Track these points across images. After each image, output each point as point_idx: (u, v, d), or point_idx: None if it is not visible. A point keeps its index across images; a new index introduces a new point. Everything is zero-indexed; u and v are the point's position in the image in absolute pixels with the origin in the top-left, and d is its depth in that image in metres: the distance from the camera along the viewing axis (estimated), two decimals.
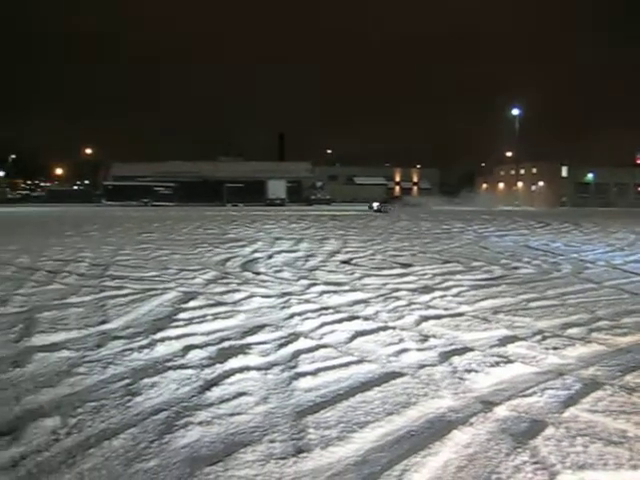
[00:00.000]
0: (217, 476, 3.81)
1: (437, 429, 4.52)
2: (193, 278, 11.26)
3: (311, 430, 4.46)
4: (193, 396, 5.18)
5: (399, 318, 8.05)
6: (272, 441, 4.29)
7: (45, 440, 4.30)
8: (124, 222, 30.93)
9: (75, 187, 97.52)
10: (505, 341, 6.92)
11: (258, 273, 12.07)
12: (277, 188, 70.62)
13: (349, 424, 4.59)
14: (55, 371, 5.83)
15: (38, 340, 6.89)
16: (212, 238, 20.57)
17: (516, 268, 13.04)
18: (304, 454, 4.08)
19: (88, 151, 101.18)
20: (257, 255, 15.21)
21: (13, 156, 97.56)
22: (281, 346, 6.67)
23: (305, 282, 10.88)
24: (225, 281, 10.97)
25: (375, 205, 53.36)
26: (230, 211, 47.80)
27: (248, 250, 16.41)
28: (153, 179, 71.61)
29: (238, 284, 10.63)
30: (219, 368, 5.87)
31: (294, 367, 5.97)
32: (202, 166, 76.40)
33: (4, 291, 9.92)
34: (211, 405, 4.95)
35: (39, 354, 6.28)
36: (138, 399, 5.07)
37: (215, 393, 5.21)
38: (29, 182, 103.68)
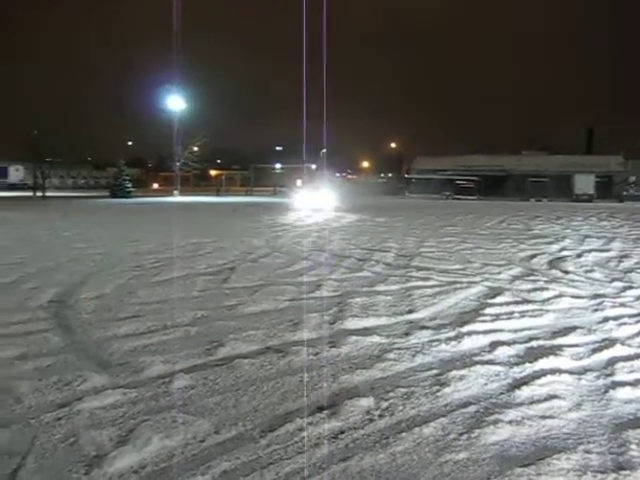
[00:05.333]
0: (529, 479, 3.68)
1: None
2: (498, 273, 11.09)
3: (633, 446, 4.09)
4: (502, 393, 5.08)
5: None
6: (588, 452, 4.02)
7: (360, 419, 4.53)
8: (426, 214, 31.56)
9: (380, 180, 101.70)
10: None
11: (567, 272, 11.49)
12: (584, 183, 66.56)
13: None
14: (367, 355, 6.13)
15: (351, 324, 7.31)
16: (516, 233, 20.09)
17: None
18: (626, 472, 3.76)
19: (392, 145, 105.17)
20: (565, 253, 14.50)
21: (324, 150, 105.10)
22: (595, 351, 6.27)
23: (619, 284, 10.11)
24: (531, 278, 10.63)
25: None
26: (534, 206, 46.25)
27: (555, 247, 15.73)
28: (454, 172, 71.92)
29: (545, 282, 10.23)
30: (528, 367, 5.69)
31: (610, 375, 5.56)
32: (504, 160, 74.84)
33: (318, 276, 10.71)
34: (521, 405, 4.82)
35: (352, 337, 6.66)
36: (446, 390, 5.12)
37: (525, 393, 5.06)
38: (337, 174, 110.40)
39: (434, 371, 5.60)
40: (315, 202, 34.58)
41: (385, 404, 4.79)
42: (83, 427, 4.34)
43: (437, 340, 6.58)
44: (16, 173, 74.40)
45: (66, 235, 18.20)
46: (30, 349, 6.19)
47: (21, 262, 12.14)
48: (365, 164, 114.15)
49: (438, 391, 5.09)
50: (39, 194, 54.17)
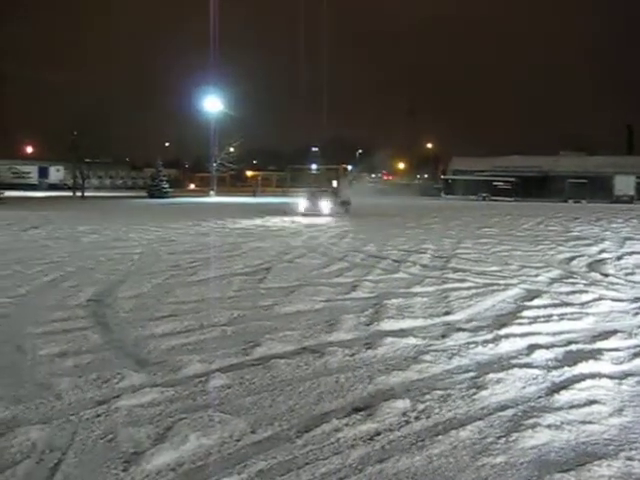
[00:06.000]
0: None
1: None
2: (536, 276, 10.95)
3: None
4: (540, 397, 5.01)
5: None
6: (630, 458, 3.94)
7: (396, 420, 4.51)
8: (463, 216, 31.33)
9: (416, 181, 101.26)
10: None
11: (606, 275, 11.30)
12: (624, 184, 65.31)
13: None
14: (403, 356, 6.10)
15: (387, 325, 7.28)
16: (554, 235, 19.84)
17: None
18: None
19: (429, 145, 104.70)
20: (605, 255, 14.26)
21: (360, 151, 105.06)
22: (636, 355, 6.15)
23: None
24: (570, 281, 10.48)
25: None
26: (572, 208, 45.61)
27: (594, 249, 15.49)
28: (491, 173, 71.13)
29: (585, 285, 10.08)
30: (567, 371, 5.61)
31: None
32: (542, 160, 73.82)
33: (355, 277, 10.70)
34: (560, 409, 4.74)
35: (388, 338, 6.63)
36: (483, 393, 5.06)
37: (564, 397, 4.98)
38: (373, 175, 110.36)
39: (471, 374, 5.56)
40: (327, 208, 29.52)
41: (421, 406, 4.76)
42: (121, 424, 4.39)
43: (474, 342, 6.52)
44: (56, 173, 75.65)
45: (105, 234, 18.47)
46: (70, 346, 6.29)
47: (61, 261, 12.35)
48: (401, 165, 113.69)
49: (475, 394, 5.04)
50: (78, 194, 55.05)
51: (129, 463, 3.83)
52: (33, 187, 69.95)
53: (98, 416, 4.54)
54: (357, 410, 4.69)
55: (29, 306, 8.19)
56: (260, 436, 4.24)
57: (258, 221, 25.22)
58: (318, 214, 28.43)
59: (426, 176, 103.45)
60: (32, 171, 76.04)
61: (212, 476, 3.67)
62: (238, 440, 4.17)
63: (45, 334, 6.75)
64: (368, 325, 7.28)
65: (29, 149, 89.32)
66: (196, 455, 3.95)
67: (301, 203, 30.09)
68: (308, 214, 28.41)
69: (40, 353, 6.07)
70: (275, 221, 25.36)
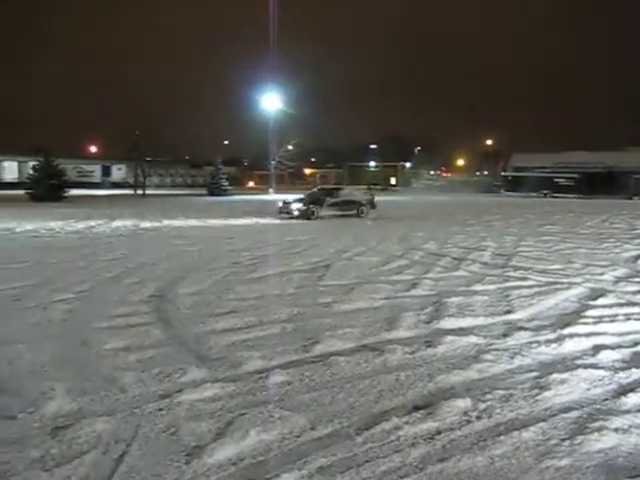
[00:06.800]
0: None
1: None
2: (601, 274, 10.67)
3: None
4: (606, 399, 4.88)
5: None
6: None
7: (457, 420, 4.45)
8: (524, 213, 30.76)
9: (475, 177, 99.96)
10: None
11: None
12: None
13: None
14: (464, 355, 6.02)
15: (447, 323, 7.20)
16: (620, 233, 19.29)
17: None
18: None
19: (488, 142, 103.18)
20: None
21: (418, 148, 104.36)
22: None
23: None
24: (637, 280, 10.18)
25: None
26: (638, 205, 44.26)
27: None
28: (553, 170, 69.64)
29: None
30: (635, 373, 5.44)
31: None
32: (606, 156, 71.78)
33: (414, 274, 10.61)
34: (627, 412, 4.60)
35: (448, 337, 6.56)
36: (547, 394, 4.96)
37: (631, 400, 4.83)
38: (432, 172, 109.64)
39: (533, 374, 5.44)
40: (296, 210, 25.82)
41: (483, 406, 4.69)
42: (183, 418, 4.46)
43: (536, 342, 6.39)
44: (118, 172, 77.58)
45: (165, 232, 18.80)
46: (133, 341, 6.42)
47: (123, 257, 12.63)
48: (460, 162, 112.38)
49: (538, 394, 4.94)
50: (140, 192, 56.14)
51: (191, 456, 3.88)
52: (96, 185, 71.91)
53: (161, 410, 4.62)
54: (417, 408, 4.65)
55: (93, 301, 8.38)
56: (320, 433, 4.24)
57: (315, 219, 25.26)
58: (289, 215, 25.87)
59: (486, 173, 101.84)
60: (95, 170, 78.24)
61: (272, 471, 3.69)
62: (298, 436, 4.18)
63: (109, 329, 6.91)
64: (428, 323, 7.22)
65: (93, 149, 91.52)
66: (256, 450, 3.98)
67: (278, 205, 27.59)
68: (282, 215, 26.26)
69: (105, 347, 6.21)
70: (334, 220, 25.31)
